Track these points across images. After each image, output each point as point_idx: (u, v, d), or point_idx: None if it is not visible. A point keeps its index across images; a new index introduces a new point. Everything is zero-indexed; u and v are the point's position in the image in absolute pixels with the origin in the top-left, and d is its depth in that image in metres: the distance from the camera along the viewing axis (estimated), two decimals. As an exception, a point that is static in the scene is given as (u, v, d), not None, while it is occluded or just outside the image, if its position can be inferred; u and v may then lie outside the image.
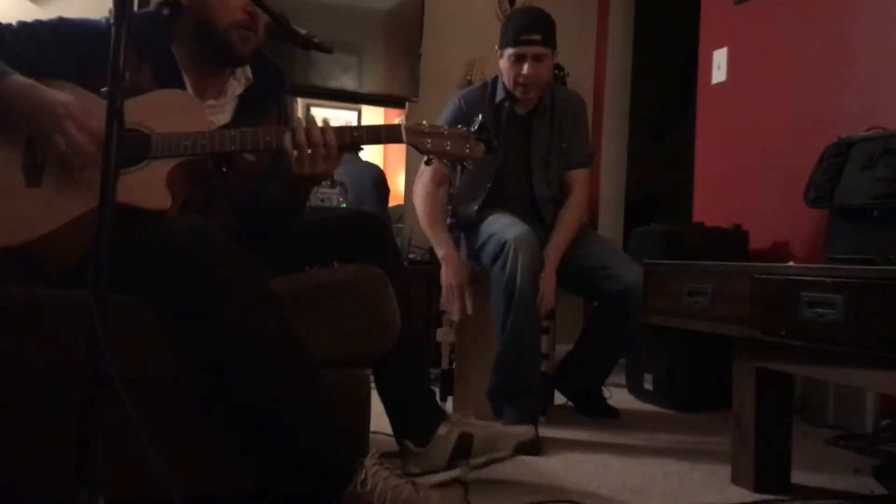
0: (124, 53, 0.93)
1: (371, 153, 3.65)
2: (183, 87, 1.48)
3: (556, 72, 3.61)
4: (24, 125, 1.30)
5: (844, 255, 2.06)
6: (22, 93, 1.28)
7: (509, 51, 2.25)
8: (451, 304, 2.22)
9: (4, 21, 1.39)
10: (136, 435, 0.92)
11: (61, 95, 1.28)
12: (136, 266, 1.24)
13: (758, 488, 1.63)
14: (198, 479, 1.28)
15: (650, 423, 2.35)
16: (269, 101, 1.61)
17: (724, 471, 1.74)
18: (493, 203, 2.34)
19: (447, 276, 2.24)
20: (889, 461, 1.86)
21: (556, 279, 2.21)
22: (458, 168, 1.54)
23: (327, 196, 3.25)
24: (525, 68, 2.22)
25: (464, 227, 2.40)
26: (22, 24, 1.40)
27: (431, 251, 3.04)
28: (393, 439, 1.60)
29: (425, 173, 2.34)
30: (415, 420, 1.57)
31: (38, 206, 1.29)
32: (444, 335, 2.40)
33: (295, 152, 1.38)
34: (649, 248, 2.58)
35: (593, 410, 2.42)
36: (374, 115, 3.77)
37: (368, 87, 3.64)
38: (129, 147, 1.24)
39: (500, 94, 2.35)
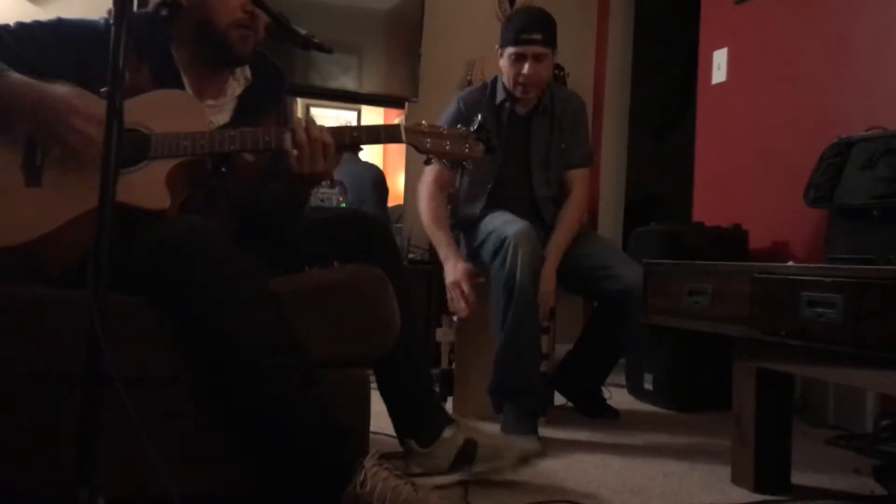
0: (124, 53, 0.93)
1: (371, 153, 3.65)
2: (182, 87, 1.48)
3: (556, 72, 3.61)
4: (24, 123, 1.29)
5: (844, 255, 2.06)
6: (19, 90, 1.27)
7: (509, 50, 2.25)
8: (456, 304, 2.22)
9: (3, 22, 1.38)
10: (136, 435, 0.92)
11: (60, 90, 1.27)
12: (136, 266, 1.24)
13: (758, 488, 1.63)
14: (198, 479, 1.28)
15: (650, 424, 2.35)
16: (268, 101, 1.61)
17: (724, 471, 1.74)
18: (494, 203, 2.34)
19: (450, 275, 2.24)
20: (889, 461, 1.86)
21: (556, 278, 2.21)
22: (458, 168, 1.54)
23: (327, 196, 3.25)
24: (525, 68, 2.22)
25: (463, 227, 2.40)
26: (20, 25, 1.40)
27: (431, 251, 3.05)
28: (393, 440, 1.60)
29: (428, 176, 2.33)
30: (416, 420, 1.57)
31: (38, 206, 1.28)
32: (443, 335, 2.40)
33: (295, 152, 1.38)
34: (649, 248, 2.58)
35: (593, 411, 2.42)
36: (373, 116, 3.77)
37: (368, 88, 3.65)
38: (128, 147, 1.24)
39: (500, 95, 2.34)
